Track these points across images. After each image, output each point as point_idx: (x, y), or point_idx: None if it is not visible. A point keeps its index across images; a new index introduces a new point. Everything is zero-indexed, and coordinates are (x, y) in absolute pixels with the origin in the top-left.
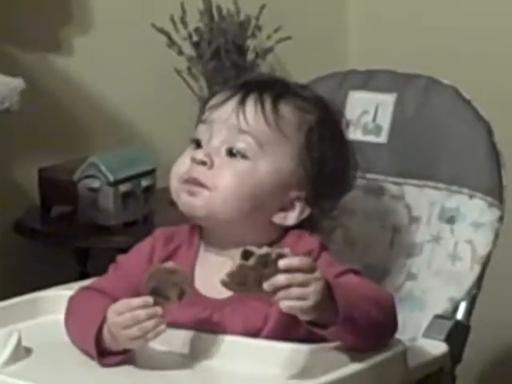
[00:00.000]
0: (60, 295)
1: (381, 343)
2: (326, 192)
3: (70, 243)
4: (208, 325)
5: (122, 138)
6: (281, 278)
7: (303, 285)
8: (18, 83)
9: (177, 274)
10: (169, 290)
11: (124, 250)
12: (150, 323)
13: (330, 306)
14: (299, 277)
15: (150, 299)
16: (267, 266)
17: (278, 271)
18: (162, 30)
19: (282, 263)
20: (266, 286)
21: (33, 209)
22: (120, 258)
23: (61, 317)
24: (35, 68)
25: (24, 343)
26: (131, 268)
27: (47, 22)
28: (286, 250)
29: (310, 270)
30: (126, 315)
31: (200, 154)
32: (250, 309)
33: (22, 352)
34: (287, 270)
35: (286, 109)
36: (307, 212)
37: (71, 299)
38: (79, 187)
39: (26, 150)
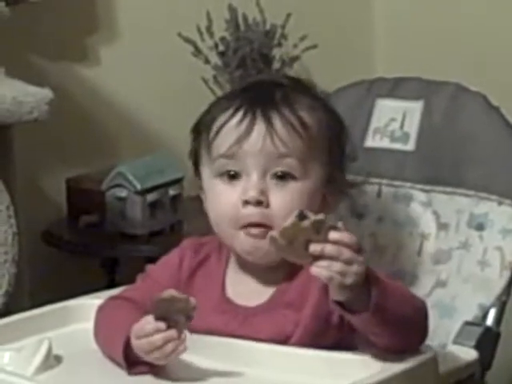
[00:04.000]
0: (89, 304)
1: (410, 344)
2: (344, 168)
3: (97, 252)
4: (239, 332)
5: (149, 146)
6: (330, 247)
7: (347, 262)
8: (45, 93)
9: (177, 301)
10: (176, 317)
11: (151, 259)
12: (168, 348)
13: (364, 294)
14: (346, 253)
15: (162, 324)
16: (319, 232)
17: (327, 241)
18: (188, 40)
19: (333, 234)
20: (312, 248)
21: (61, 218)
22: (149, 268)
23: (90, 325)
24: (63, 78)
25: (54, 351)
26: (161, 278)
27: (74, 32)
28: (340, 224)
29: (357, 250)
30: (144, 340)
31: (253, 193)
32: (280, 316)
33: (52, 360)
34: (336, 243)
35: (305, 115)
36: (339, 200)
37: (100, 308)
38: (107, 196)
39: (54, 160)
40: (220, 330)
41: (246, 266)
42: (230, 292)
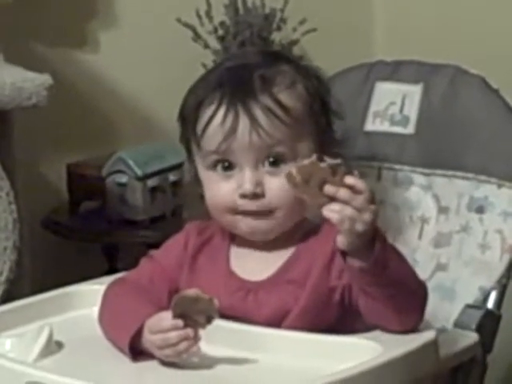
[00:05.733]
0: (90, 290)
1: (404, 320)
2: (332, 130)
3: (98, 238)
4: (241, 305)
5: (149, 132)
6: (344, 191)
7: (359, 209)
8: (45, 79)
9: (201, 301)
10: (196, 316)
11: (152, 245)
12: (182, 346)
13: (368, 246)
14: (359, 199)
15: (180, 322)
16: (335, 176)
17: (342, 184)
18: (187, 25)
19: (348, 179)
20: (326, 188)
21: (61, 205)
22: (153, 251)
23: (91, 311)
24: (62, 64)
25: (55, 337)
26: (167, 261)
27: (73, 18)
28: (356, 172)
29: (370, 200)
30: (158, 336)
31: (248, 186)
32: (283, 291)
33: (53, 346)
34: (350, 188)
35: (285, 97)
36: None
37: (107, 291)
38: (107, 182)
39: (54, 146)
40: (223, 304)
41: (250, 242)
42: (235, 267)
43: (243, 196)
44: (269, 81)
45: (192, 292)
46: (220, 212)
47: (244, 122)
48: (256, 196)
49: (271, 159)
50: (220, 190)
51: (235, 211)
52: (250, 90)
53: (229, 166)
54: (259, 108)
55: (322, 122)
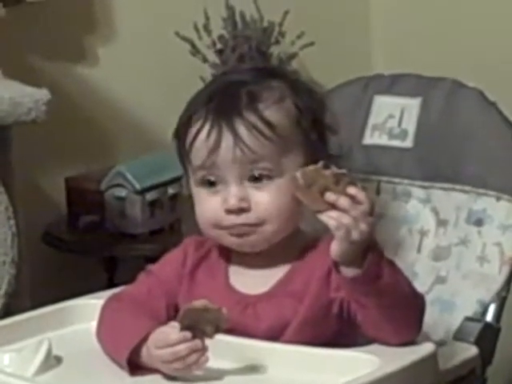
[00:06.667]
0: (89, 304)
1: (400, 333)
2: (325, 145)
3: (97, 252)
4: (240, 318)
5: (147, 145)
6: (344, 200)
7: (356, 218)
8: (43, 94)
9: (210, 311)
10: (204, 327)
11: (151, 258)
12: (192, 358)
13: (363, 259)
14: (358, 209)
15: (188, 334)
16: (338, 184)
17: (343, 193)
18: (185, 38)
19: (351, 189)
20: (327, 195)
21: (60, 218)
22: (151, 266)
23: (90, 325)
24: (60, 78)
25: (54, 352)
26: (165, 275)
27: (71, 32)
28: (359, 184)
29: (369, 212)
30: (167, 350)
31: (233, 201)
32: (282, 304)
33: (52, 361)
34: (351, 198)
35: (272, 114)
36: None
37: (104, 307)
38: (106, 196)
39: (53, 160)
40: None
41: (247, 261)
42: (234, 281)
43: (229, 211)
44: (255, 97)
45: (200, 303)
46: (207, 227)
47: (227, 138)
48: (242, 210)
49: (256, 174)
50: (207, 205)
51: (220, 226)
52: (236, 107)
53: (215, 182)
54: (243, 124)
55: (313, 138)
